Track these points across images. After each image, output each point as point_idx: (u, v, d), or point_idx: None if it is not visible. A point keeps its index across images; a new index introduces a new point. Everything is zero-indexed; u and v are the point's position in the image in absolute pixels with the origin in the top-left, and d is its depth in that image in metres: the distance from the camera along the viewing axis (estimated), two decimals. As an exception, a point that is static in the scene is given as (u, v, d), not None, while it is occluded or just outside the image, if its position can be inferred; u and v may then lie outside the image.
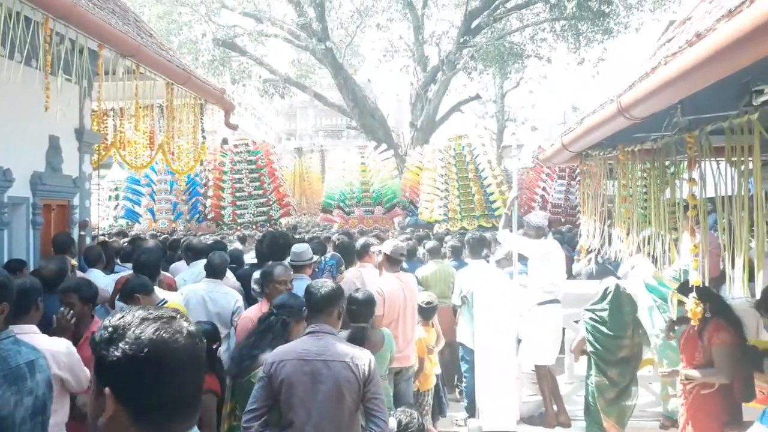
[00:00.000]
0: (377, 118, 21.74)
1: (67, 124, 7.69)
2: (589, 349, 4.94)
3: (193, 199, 15.74)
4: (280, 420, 3.00)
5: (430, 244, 7.44)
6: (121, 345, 1.21)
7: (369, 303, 4.25)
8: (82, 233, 7.59)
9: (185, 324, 1.27)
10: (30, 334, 2.90)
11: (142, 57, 6.66)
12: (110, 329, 1.24)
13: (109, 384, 1.22)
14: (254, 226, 14.42)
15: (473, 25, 20.46)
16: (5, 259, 6.14)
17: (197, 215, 15.53)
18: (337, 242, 6.72)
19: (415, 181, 16.03)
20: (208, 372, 3.69)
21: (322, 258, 5.51)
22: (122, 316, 1.26)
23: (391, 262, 5.03)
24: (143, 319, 1.24)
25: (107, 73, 6.62)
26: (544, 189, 15.52)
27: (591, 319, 4.92)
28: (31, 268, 5.99)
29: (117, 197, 17.78)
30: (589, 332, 4.93)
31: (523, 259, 6.32)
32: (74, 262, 5.78)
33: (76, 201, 8.04)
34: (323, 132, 42.78)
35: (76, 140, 8.00)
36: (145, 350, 1.20)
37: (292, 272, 4.70)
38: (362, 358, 2.98)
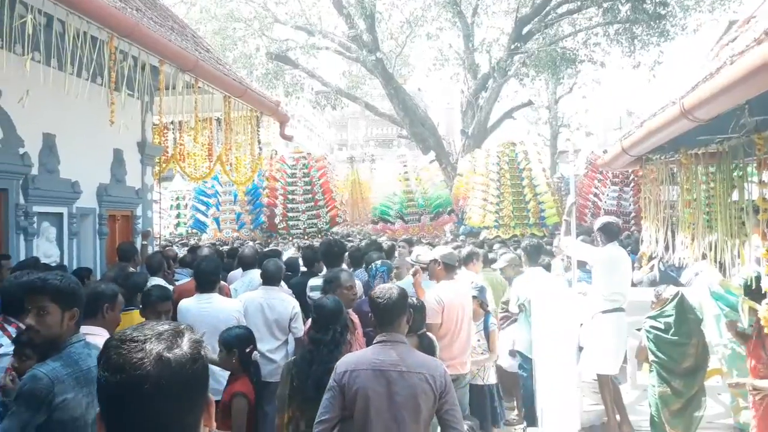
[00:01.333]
0: (428, 126, 21.74)
1: (130, 137, 7.99)
2: (652, 358, 4.78)
3: (257, 210, 16.06)
4: (354, 428, 2.96)
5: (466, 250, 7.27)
6: (100, 365, 1.19)
7: (423, 310, 4.23)
8: (145, 242, 7.85)
9: (160, 348, 1.17)
10: (98, 336, 3.00)
11: (200, 71, 6.86)
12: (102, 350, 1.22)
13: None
14: (305, 237, 14.61)
15: (524, 32, 20.26)
16: (74, 267, 6.41)
17: (260, 225, 15.86)
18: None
19: (467, 189, 15.95)
20: (240, 375, 3.72)
21: (373, 265, 5.51)
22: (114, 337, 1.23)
23: (447, 269, 4.99)
24: (121, 341, 1.19)
25: (167, 87, 6.84)
26: (596, 195, 15.17)
27: (653, 327, 4.76)
28: (98, 276, 6.24)
29: (179, 206, 18.38)
30: (651, 341, 4.78)
31: (582, 266, 6.19)
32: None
33: (138, 211, 8.34)
34: (374, 141, 43.04)
35: (138, 153, 8.31)
36: (106, 374, 1.16)
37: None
38: (437, 368, 2.91)
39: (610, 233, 5.55)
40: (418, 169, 16.90)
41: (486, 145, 19.72)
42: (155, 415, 1.16)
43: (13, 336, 3.05)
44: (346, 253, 6.25)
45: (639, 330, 5.35)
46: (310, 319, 4.03)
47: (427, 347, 3.97)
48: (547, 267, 6.65)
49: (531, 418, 5.78)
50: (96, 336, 2.99)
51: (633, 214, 13.93)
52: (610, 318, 5.30)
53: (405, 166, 16.93)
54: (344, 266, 5.47)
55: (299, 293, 5.49)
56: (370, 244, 7.68)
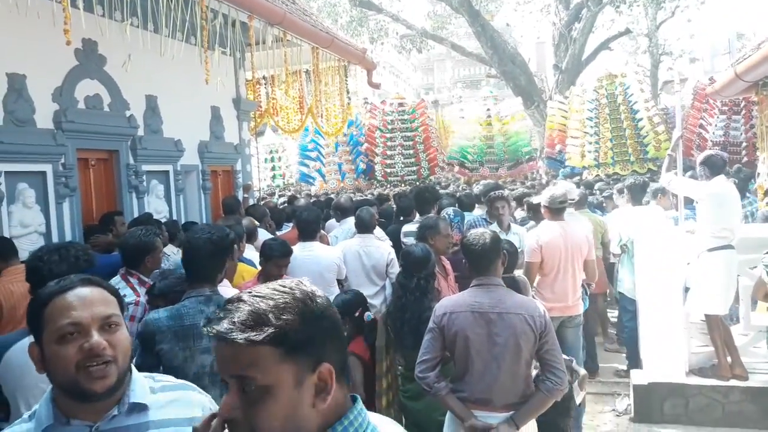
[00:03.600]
0: (518, 63, 20.95)
1: (226, 94, 8.25)
2: (771, 296, 4.51)
3: (357, 159, 16.29)
4: (453, 370, 3.04)
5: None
6: None
7: (516, 254, 4.20)
8: (246, 195, 8.19)
9: None
10: (225, 288, 3.15)
11: (288, 24, 6.92)
12: None
13: None
14: (404, 184, 14.65)
15: (620, -47, 18.89)
16: (182, 221, 6.80)
17: (361, 173, 16.09)
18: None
19: (559, 129, 15.35)
20: (354, 337, 3.72)
21: (445, 213, 5.42)
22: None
23: (551, 211, 4.90)
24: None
25: (257, 43, 6.95)
26: (701, 127, 14.13)
27: (772, 264, 4.47)
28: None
29: (273, 159, 18.97)
30: (769, 279, 4.49)
31: (689, 203, 5.87)
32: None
33: (238, 166, 8.68)
34: (461, 83, 42.14)
35: (234, 109, 8.57)
36: None
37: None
38: (536, 309, 2.91)
39: (714, 166, 5.20)
40: (501, 115, 16.43)
41: (581, 79, 18.81)
42: None
43: (135, 287, 3.30)
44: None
45: (754, 268, 5.05)
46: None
47: (515, 289, 3.96)
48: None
49: (634, 360, 5.66)
50: (225, 288, 3.13)
51: (744, 144, 12.91)
52: (719, 256, 5.02)
53: (488, 110, 16.50)
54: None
55: (395, 240, 5.57)
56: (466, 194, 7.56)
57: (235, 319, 1.03)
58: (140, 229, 3.65)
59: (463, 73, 42.49)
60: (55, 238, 5.40)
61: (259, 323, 1.03)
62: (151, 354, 2.54)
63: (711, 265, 5.04)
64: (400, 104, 15.96)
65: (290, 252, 4.04)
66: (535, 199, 5.50)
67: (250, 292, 1.09)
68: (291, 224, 6.54)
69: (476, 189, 7.28)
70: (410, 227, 5.43)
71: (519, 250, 4.92)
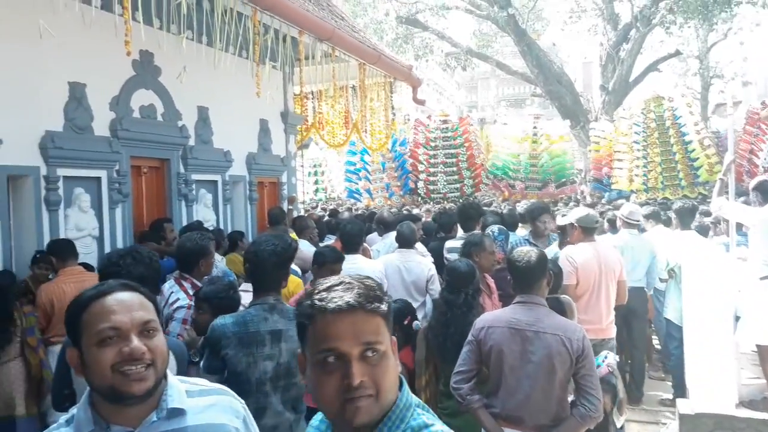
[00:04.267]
0: (564, 83, 20.78)
1: (274, 107, 8.41)
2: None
3: (404, 177, 16.34)
4: (488, 384, 3.03)
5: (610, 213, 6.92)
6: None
7: (559, 274, 4.14)
8: (290, 207, 8.30)
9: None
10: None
11: (337, 40, 7.04)
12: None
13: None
14: (447, 201, 14.62)
15: (671, -26, 18.61)
16: (229, 230, 6.93)
17: (409, 191, 16.11)
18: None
19: (604, 153, 15.10)
20: (403, 346, 3.74)
21: (490, 231, 5.37)
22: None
23: (584, 231, 4.83)
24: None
25: (306, 58, 7.08)
26: (752, 152, 13.71)
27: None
28: (249, 239, 6.70)
29: (316, 173, 19.20)
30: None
31: (740, 229, 5.70)
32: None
33: (284, 178, 8.82)
34: (506, 102, 41.95)
35: (282, 122, 8.73)
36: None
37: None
38: (576, 332, 2.87)
39: (767, 192, 5.06)
40: (548, 134, 16.27)
41: (628, 101, 18.54)
42: None
43: (188, 291, 3.38)
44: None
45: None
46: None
47: (558, 311, 3.89)
48: (703, 230, 6.19)
49: (680, 389, 5.50)
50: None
51: (796, 171, 12.48)
52: (772, 284, 4.85)
53: (535, 127, 16.35)
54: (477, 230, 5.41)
55: (437, 257, 5.55)
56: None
57: (361, 294, 1.21)
58: (196, 233, 3.75)
59: (508, 91, 42.30)
60: (107, 242, 5.58)
61: (376, 298, 1.22)
62: (217, 357, 2.63)
63: (763, 293, 4.88)
64: (444, 121, 15.99)
65: (342, 258, 4.10)
66: (564, 219, 5.41)
67: (342, 279, 1.26)
68: (333, 237, 6.60)
69: (520, 208, 7.22)
70: (454, 243, 5.41)
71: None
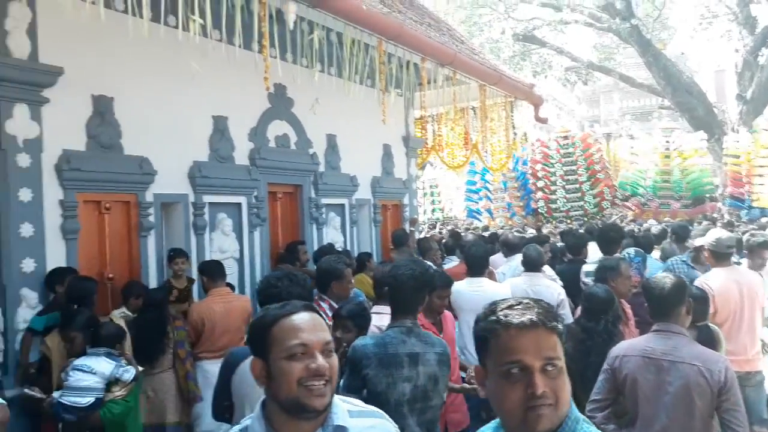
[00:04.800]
0: (695, 94, 19.56)
1: (396, 132, 8.66)
2: None
3: (527, 196, 16.07)
4: (625, 414, 2.94)
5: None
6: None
7: (705, 301, 3.90)
8: (412, 229, 8.45)
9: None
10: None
11: (458, 64, 7.14)
12: None
13: None
14: (569, 221, 14.16)
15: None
16: (355, 252, 7.20)
17: (531, 211, 15.81)
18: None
19: (743, 167, 13.99)
20: None
21: (626, 254, 5.13)
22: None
23: (717, 256, 4.49)
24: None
25: (428, 82, 7.24)
26: None
27: None
28: (376, 260, 6.91)
29: (432, 194, 19.33)
30: None
31: None
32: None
33: (405, 200, 9.02)
34: (630, 115, 40.09)
35: (403, 146, 8.97)
36: None
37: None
38: (717, 362, 2.71)
39: None
40: (681, 148, 15.25)
41: (770, 110, 17.15)
42: None
43: (327, 312, 3.55)
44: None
45: None
46: (579, 307, 3.98)
47: (706, 340, 3.67)
48: None
49: None
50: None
51: None
52: None
53: (668, 141, 15.43)
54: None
55: (567, 281, 5.40)
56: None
57: (540, 312, 1.32)
58: (333, 256, 3.95)
59: (632, 104, 40.37)
60: (246, 264, 5.98)
61: (554, 317, 1.34)
62: (358, 377, 2.72)
63: None
64: (564, 137, 15.53)
65: (451, 282, 4.12)
66: (698, 241, 5.05)
67: (521, 300, 1.37)
68: (454, 258, 6.63)
69: (654, 229, 6.89)
70: (591, 267, 5.24)
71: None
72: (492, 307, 1.38)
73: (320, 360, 1.50)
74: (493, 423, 1.44)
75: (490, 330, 1.33)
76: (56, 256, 4.41)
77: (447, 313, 4.15)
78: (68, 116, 4.55)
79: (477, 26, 22.67)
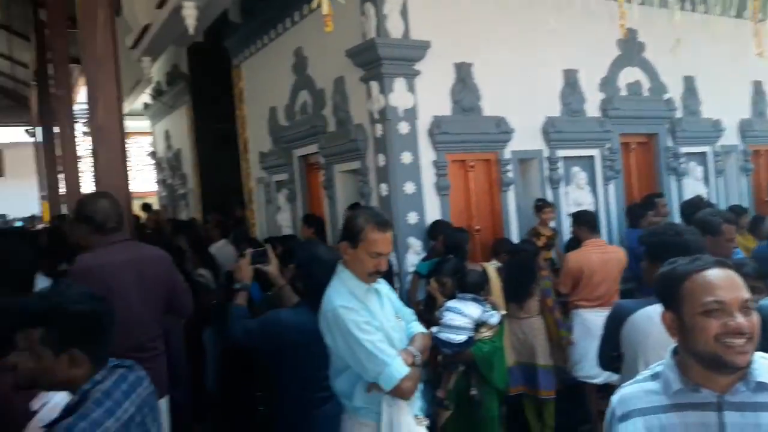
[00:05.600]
0: None
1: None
2: None
3: None
4: None
5: None
6: None
7: None
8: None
9: None
10: None
11: None
12: None
13: None
14: None
15: None
16: (722, 205, 6.50)
17: None
18: None
19: None
20: None
21: None
22: None
23: None
24: None
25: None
26: None
27: None
28: (752, 214, 6.15)
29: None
30: None
31: None
32: None
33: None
34: None
35: (780, 81, 7.68)
36: None
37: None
38: None
39: None
40: None
41: None
42: None
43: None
44: None
45: None
46: None
47: None
48: None
49: None
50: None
51: None
52: None
53: None
54: None
55: None
56: None
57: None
58: (710, 210, 3.66)
59: None
60: (602, 217, 5.91)
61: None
62: None
63: None
64: None
65: None
66: None
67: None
68: None
69: None
70: None
71: None
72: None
73: (739, 318, 1.47)
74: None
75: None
76: (433, 210, 4.98)
77: None
78: (435, 85, 5.04)
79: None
